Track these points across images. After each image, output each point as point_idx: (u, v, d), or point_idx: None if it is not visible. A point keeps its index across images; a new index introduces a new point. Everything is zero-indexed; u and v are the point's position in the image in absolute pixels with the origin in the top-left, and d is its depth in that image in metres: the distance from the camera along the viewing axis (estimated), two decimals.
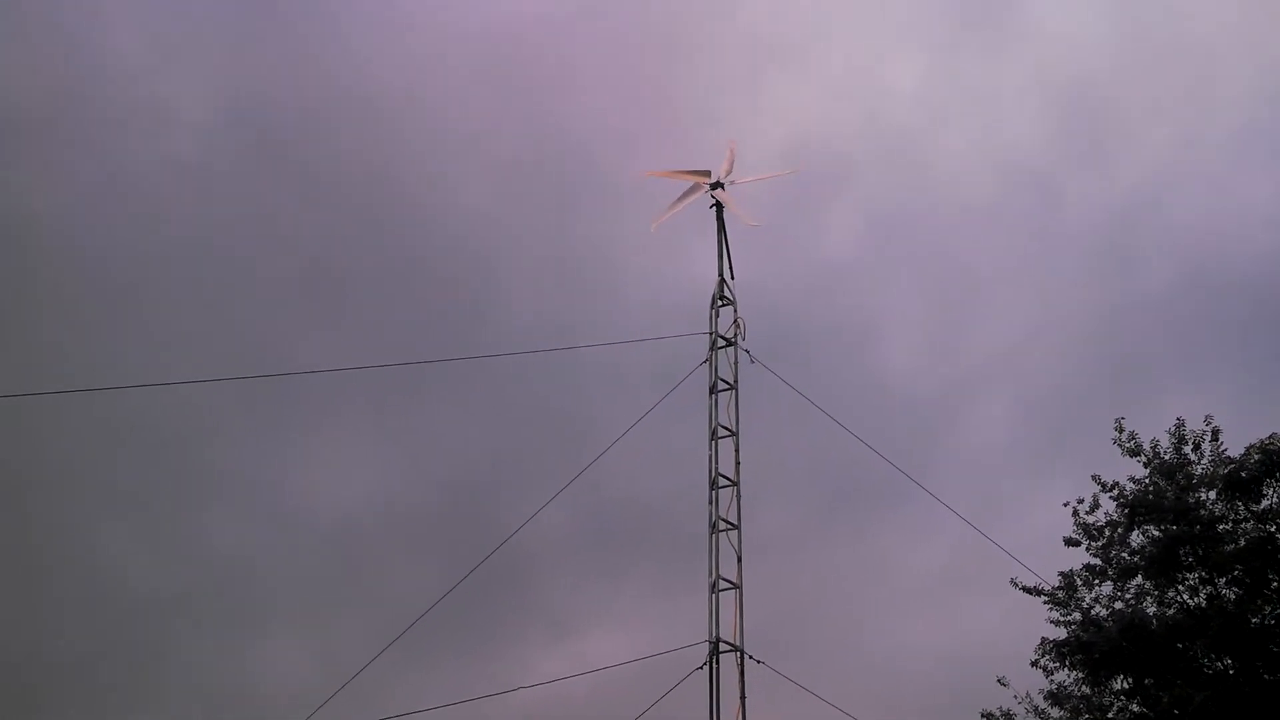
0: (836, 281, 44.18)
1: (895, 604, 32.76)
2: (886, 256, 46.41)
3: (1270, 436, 19.21)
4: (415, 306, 41.23)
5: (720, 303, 17.45)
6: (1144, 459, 20.41)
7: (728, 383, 16.75)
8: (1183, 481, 19.84)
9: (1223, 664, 18.83)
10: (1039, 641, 20.08)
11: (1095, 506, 20.65)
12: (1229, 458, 19.70)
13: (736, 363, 16.92)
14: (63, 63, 41.17)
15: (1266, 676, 18.31)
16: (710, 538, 15.53)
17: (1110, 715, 19.35)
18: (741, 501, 15.80)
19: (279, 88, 43.87)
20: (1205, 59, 46.85)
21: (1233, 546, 18.98)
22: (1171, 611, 19.48)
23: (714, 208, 17.98)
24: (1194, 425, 20.30)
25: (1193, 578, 19.52)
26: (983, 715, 20.39)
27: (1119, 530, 20.21)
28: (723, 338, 17.12)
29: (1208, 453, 20.08)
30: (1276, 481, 19.12)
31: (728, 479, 15.99)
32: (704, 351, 17.01)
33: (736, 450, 16.25)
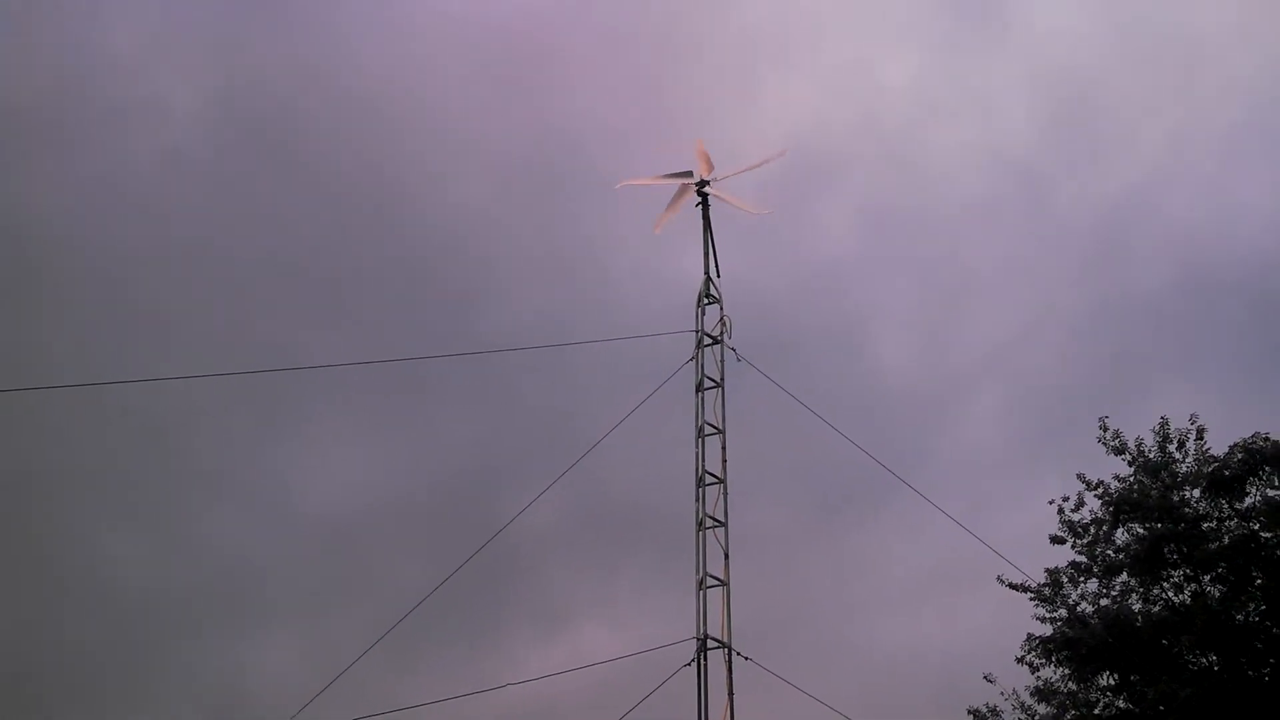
0: (830, 279, 44.30)
1: (885, 602, 32.89)
2: (880, 253, 46.54)
3: (1254, 435, 19.35)
4: (412, 303, 41.26)
5: (706, 301, 17.50)
6: (1128, 457, 20.52)
7: (714, 380, 16.80)
8: (1167, 480, 19.95)
9: (1207, 660, 18.94)
10: (1025, 638, 20.17)
11: (1080, 504, 20.77)
12: (1213, 456, 19.82)
13: (723, 361, 16.98)
14: (60, 59, 41.12)
15: (1250, 673, 18.44)
16: (697, 535, 15.57)
17: (1096, 711, 19.43)
18: (730, 499, 15.84)
19: (276, 84, 43.89)
20: (1198, 54, 47.06)
21: (1217, 544, 19.10)
22: (1156, 608, 19.59)
23: (699, 206, 18.03)
24: (1184, 424, 20.42)
25: (1177, 575, 19.63)
26: (969, 712, 20.44)
27: (1104, 528, 20.32)
28: (709, 335, 17.16)
29: (1192, 451, 20.21)
30: (1259, 480, 19.27)
31: (714, 476, 16.03)
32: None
33: (723, 448, 16.29)
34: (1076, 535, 20.66)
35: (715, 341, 17.13)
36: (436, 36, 47.27)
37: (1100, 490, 20.45)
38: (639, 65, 47.71)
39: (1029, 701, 20.38)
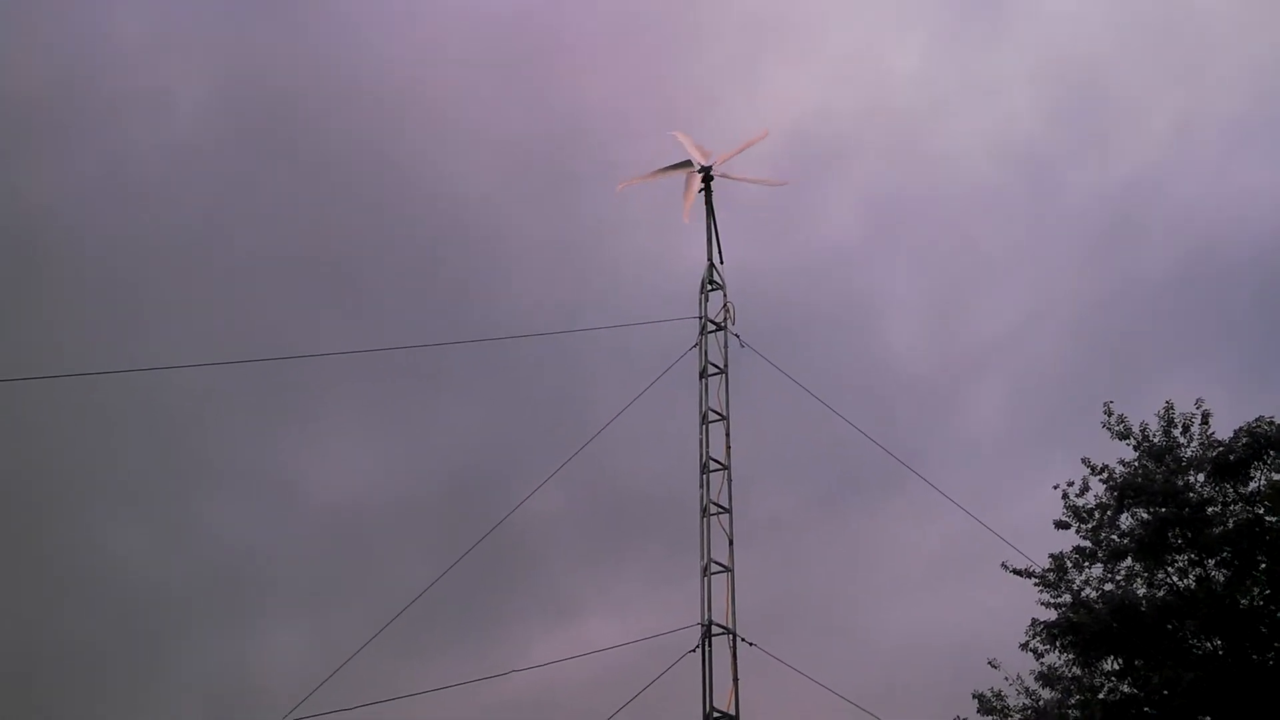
0: (837, 265, 44.28)
1: (891, 588, 32.89)
2: (887, 240, 46.51)
3: (1258, 419, 19.31)
4: (417, 291, 41.26)
5: (710, 287, 17.50)
6: (1133, 442, 20.49)
7: (718, 367, 16.79)
8: (1171, 464, 19.92)
9: (1212, 645, 18.94)
10: (1030, 623, 20.17)
11: (1085, 489, 20.74)
12: (1217, 441, 19.78)
13: (726, 347, 16.99)
14: (64, 51, 41.08)
15: (1255, 657, 18.44)
16: (702, 521, 15.60)
17: (1101, 696, 19.42)
18: (738, 486, 15.90)
19: (280, 75, 43.84)
20: (1205, 40, 46.84)
21: (1221, 529, 19.08)
22: (1161, 593, 19.57)
23: (702, 192, 18.01)
24: (1189, 409, 20.38)
25: (1182, 559, 19.61)
26: (974, 696, 20.44)
27: (1108, 513, 20.29)
28: (712, 322, 17.16)
29: (1196, 436, 20.17)
30: (1264, 464, 19.23)
31: (718, 463, 16.04)
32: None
33: (727, 434, 16.32)
34: (1081, 520, 20.65)
35: (718, 328, 17.12)
36: (440, 25, 47.22)
37: (1105, 475, 20.43)
38: (644, 52, 47.65)
39: (1034, 686, 20.39)
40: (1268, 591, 18.77)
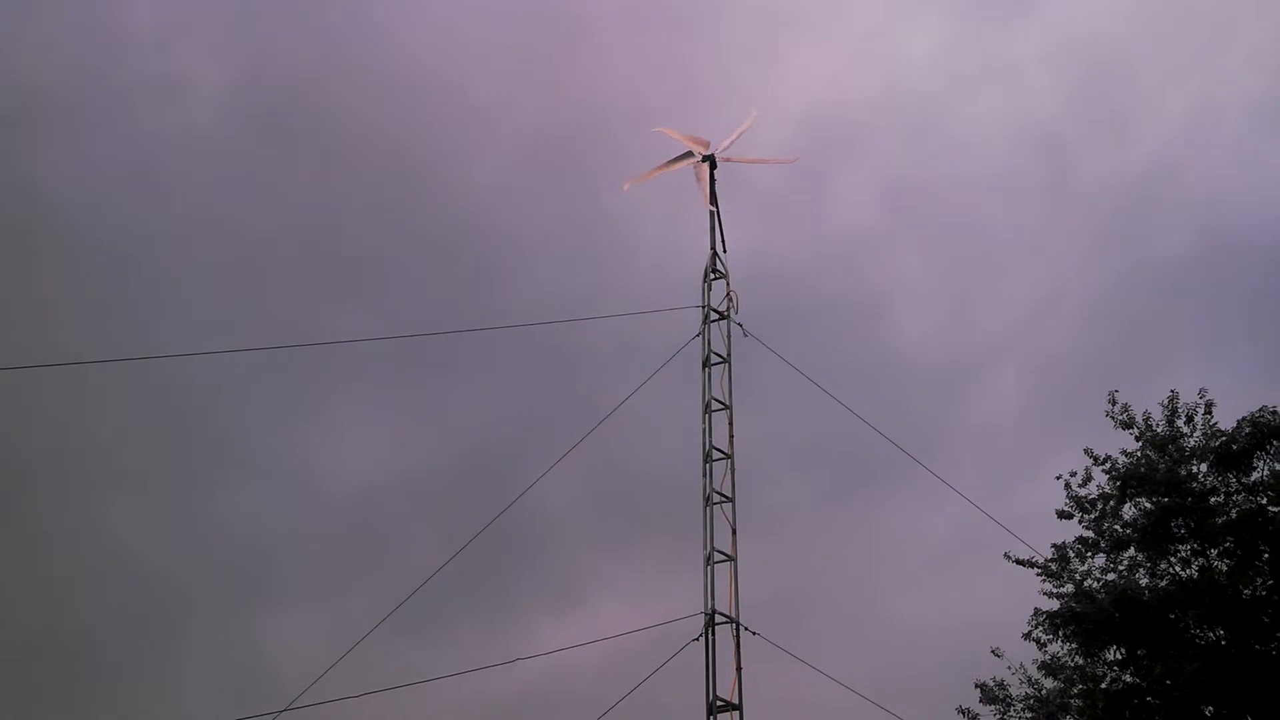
0: (851, 251, 44.16)
1: (898, 577, 32.90)
2: (901, 226, 46.37)
3: (1260, 409, 19.30)
4: (432, 278, 41.25)
5: (713, 276, 17.48)
6: (1136, 432, 20.48)
7: (721, 356, 16.78)
8: (1175, 454, 19.91)
9: (1214, 635, 18.95)
10: (1032, 613, 20.19)
11: (1088, 479, 20.72)
12: (1221, 430, 19.76)
13: (729, 336, 16.98)
14: (80, 37, 41.04)
15: (1257, 647, 18.43)
16: (705, 510, 15.60)
17: (1103, 686, 19.43)
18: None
19: (296, 61, 43.79)
20: (1223, 23, 46.50)
21: (1224, 518, 19.07)
22: (1163, 583, 19.55)
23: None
24: (1193, 398, 20.35)
25: (1184, 549, 19.61)
26: (976, 685, 20.45)
27: (1111, 503, 20.29)
28: (715, 311, 17.14)
29: (1200, 425, 20.15)
30: (1267, 454, 19.22)
31: (722, 452, 16.04)
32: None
33: (730, 424, 16.31)
34: (1084, 510, 20.65)
35: (721, 317, 17.11)
36: (457, 12, 47.12)
37: (1107, 465, 20.42)
38: (661, 38, 47.47)
39: (1036, 676, 20.41)
40: (1270, 582, 18.73)
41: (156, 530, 34.82)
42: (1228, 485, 19.45)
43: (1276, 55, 45.24)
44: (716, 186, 18.03)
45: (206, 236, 39.97)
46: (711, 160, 18.18)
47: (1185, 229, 45.16)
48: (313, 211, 41.77)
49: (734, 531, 15.49)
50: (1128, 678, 19.47)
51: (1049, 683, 20.20)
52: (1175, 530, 19.44)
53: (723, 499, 15.68)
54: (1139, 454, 20.31)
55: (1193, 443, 20.02)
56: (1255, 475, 19.31)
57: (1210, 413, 20.13)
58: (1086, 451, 20.72)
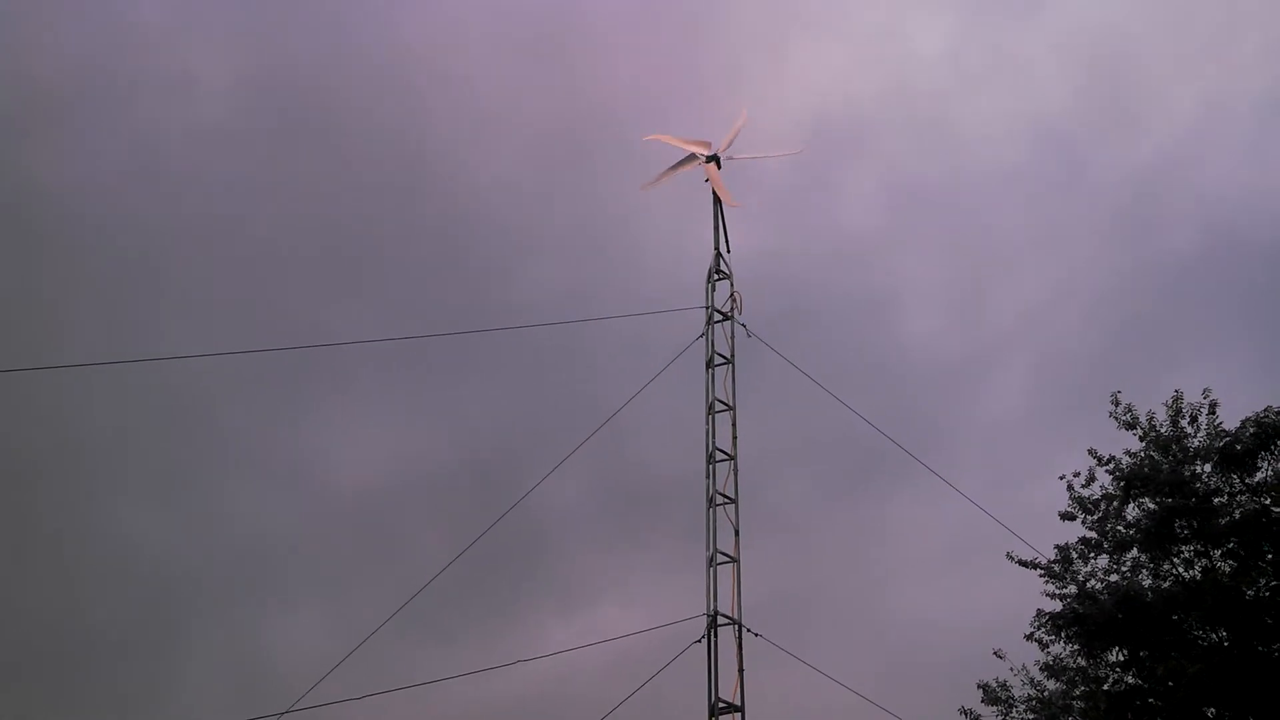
0: (858, 249, 44.07)
1: (904, 578, 32.85)
2: (909, 223, 46.25)
3: (1265, 410, 19.26)
4: (439, 275, 41.23)
5: (716, 277, 17.46)
6: (1139, 432, 20.45)
7: (724, 357, 16.77)
8: (1178, 455, 19.88)
9: (1217, 636, 18.92)
10: (1035, 614, 20.18)
11: (1091, 480, 20.71)
12: (1224, 431, 19.73)
13: (733, 337, 16.97)
14: (88, 33, 41.01)
15: (1260, 648, 18.40)
16: (708, 512, 15.59)
17: (1105, 687, 19.42)
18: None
19: (303, 59, 43.76)
20: (1234, 18, 46.29)
21: (1227, 519, 19.04)
22: (1166, 584, 19.53)
23: (709, 182, 18.00)
24: (1198, 398, 20.32)
25: (1188, 550, 19.58)
26: (979, 686, 20.46)
27: (1114, 504, 20.27)
28: (719, 312, 17.12)
29: (1204, 426, 20.12)
30: (1271, 455, 19.19)
31: (725, 453, 16.02)
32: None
33: (734, 425, 16.29)
34: (1087, 511, 20.63)
35: (725, 317, 17.09)
36: (463, 10, 47.04)
37: (1111, 466, 20.39)
38: (668, 35, 47.38)
39: (1039, 677, 20.40)
40: (1274, 583, 18.71)
41: (160, 529, 34.88)
42: (1231, 486, 19.43)
43: None
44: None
45: (212, 234, 40.02)
46: (716, 160, 18.17)
47: (1193, 225, 45.08)
48: (318, 209, 41.81)
49: (737, 533, 15.49)
50: (1130, 679, 19.45)
51: (1051, 684, 20.21)
52: (1178, 531, 19.41)
53: (726, 500, 15.67)
54: (1142, 454, 20.28)
55: (1196, 443, 19.99)
56: (1259, 476, 19.29)
57: (1214, 413, 20.11)
58: (1090, 452, 20.73)
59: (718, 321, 17.05)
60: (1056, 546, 20.61)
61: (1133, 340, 41.38)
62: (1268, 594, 18.69)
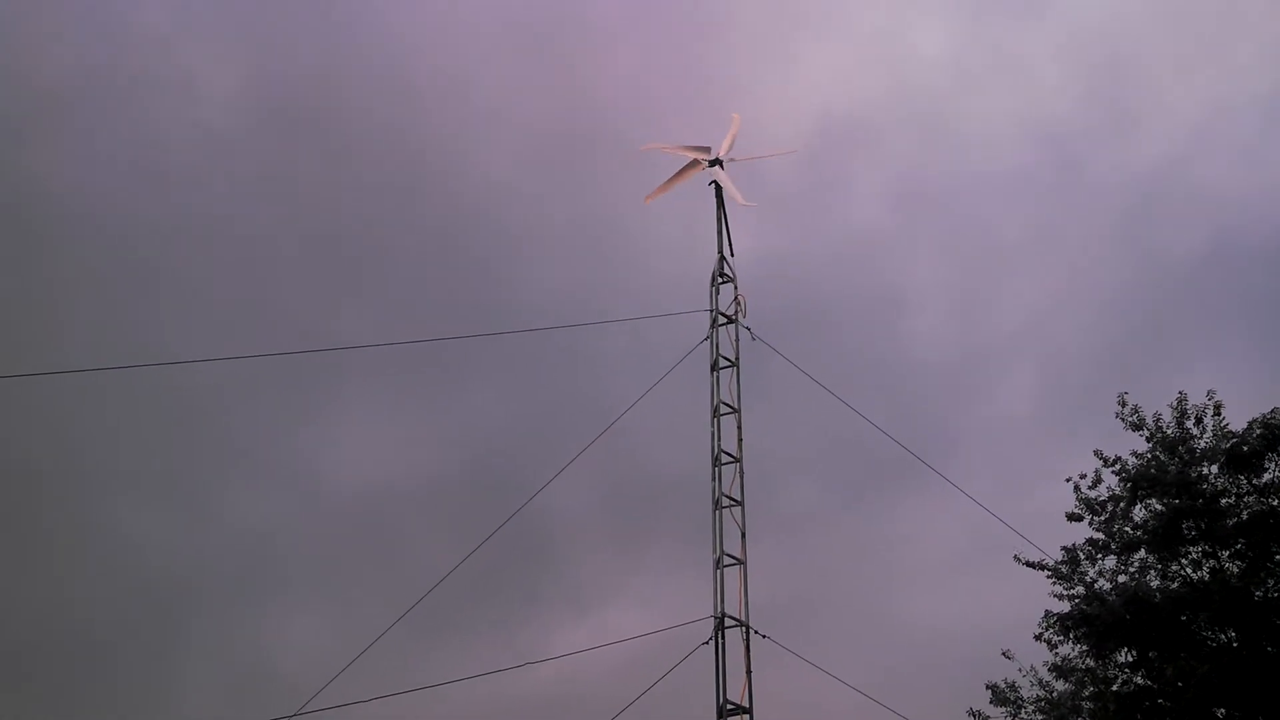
0: (862, 250, 44.05)
1: (912, 580, 32.76)
2: (912, 224, 46.21)
3: (1272, 411, 19.25)
4: (440, 278, 41.24)
5: (720, 280, 17.50)
6: (1146, 434, 20.43)
7: (729, 360, 16.80)
8: (1185, 456, 19.86)
9: (1226, 636, 18.91)
10: (1043, 615, 20.16)
11: (1097, 481, 20.70)
12: (1231, 432, 19.72)
13: (737, 340, 16.99)
14: (88, 35, 41.15)
15: (1269, 649, 18.38)
16: (714, 514, 15.60)
17: (1114, 688, 19.40)
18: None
19: (304, 59, 43.84)
20: (1234, 20, 46.13)
21: (1235, 520, 19.04)
22: (1174, 585, 19.53)
23: (712, 185, 18.05)
24: (1203, 400, 20.29)
25: (1195, 551, 19.58)
26: (988, 687, 20.44)
27: (1121, 505, 20.26)
28: (723, 315, 17.16)
29: (1210, 427, 20.10)
30: (1278, 455, 19.17)
31: (730, 455, 16.05)
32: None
33: (739, 427, 16.31)
34: (1094, 513, 20.61)
35: (729, 320, 17.13)
36: (465, 9, 47.11)
37: (1117, 467, 20.38)
38: (669, 34, 47.41)
39: (1047, 678, 20.38)
40: None
41: (162, 531, 34.92)
42: (1238, 487, 19.42)
43: None
44: (723, 192, 18.06)
45: (214, 235, 40.03)
46: (719, 164, 18.22)
47: (1197, 227, 45.00)
48: (320, 210, 41.87)
49: (743, 535, 15.50)
50: (1139, 680, 19.45)
51: (1060, 685, 20.19)
52: (1186, 532, 19.41)
53: (732, 502, 15.69)
54: (1149, 455, 20.27)
55: (1203, 444, 19.96)
56: (1266, 477, 19.27)
57: (1220, 414, 20.08)
58: (1096, 453, 20.71)
59: (722, 325, 17.09)
60: (1063, 548, 20.62)
61: (1139, 341, 41.32)
62: (1276, 595, 18.68)
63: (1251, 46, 45.76)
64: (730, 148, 18.29)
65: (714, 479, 15.83)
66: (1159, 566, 19.86)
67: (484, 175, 43.52)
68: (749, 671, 14.45)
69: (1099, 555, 20.46)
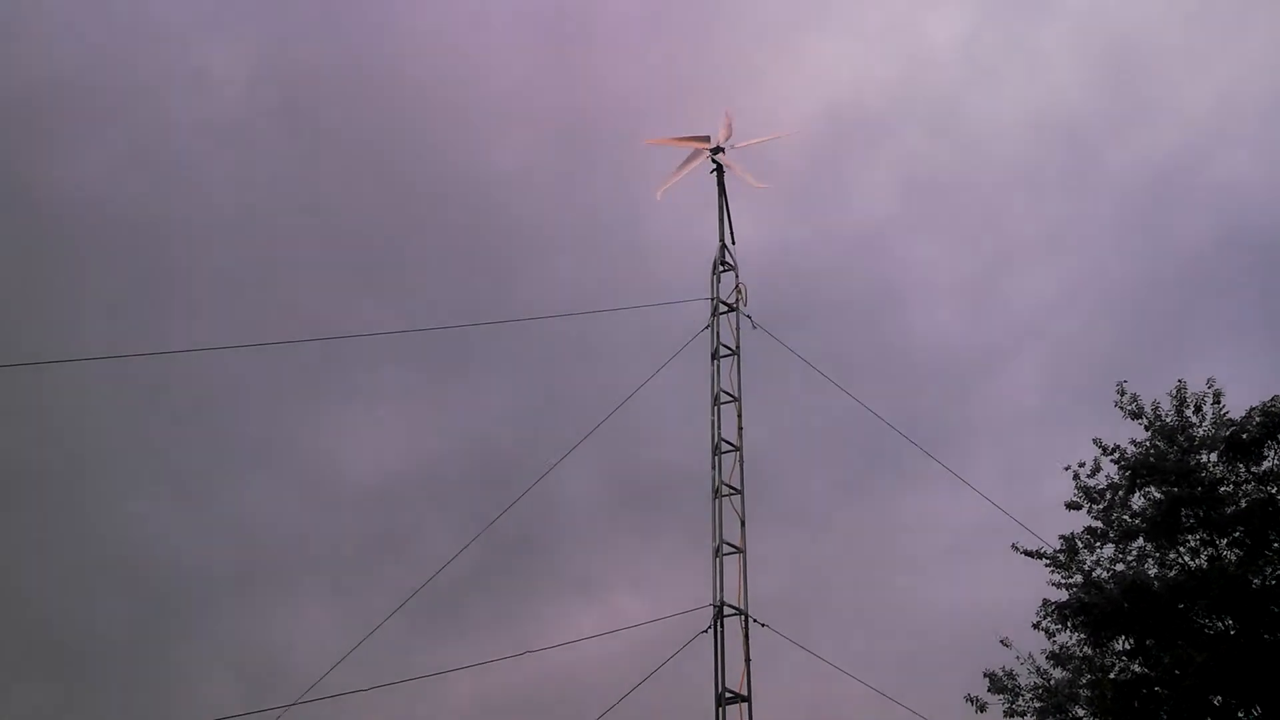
0: (870, 242, 44.02)
1: (910, 569, 32.87)
2: (922, 217, 46.16)
3: (1272, 399, 19.25)
4: (451, 271, 41.28)
5: (721, 268, 17.50)
6: (1145, 422, 20.45)
7: (730, 348, 16.81)
8: (1184, 444, 19.88)
9: (1224, 625, 18.94)
10: (1041, 603, 20.20)
11: (1096, 470, 20.72)
12: (1230, 420, 19.72)
13: (738, 328, 17.01)
14: (99, 30, 41.06)
15: (1267, 637, 18.42)
16: (713, 503, 15.65)
17: (1112, 675, 19.45)
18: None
19: (316, 54, 43.73)
20: (1248, 12, 46.01)
21: (1234, 508, 19.04)
22: (1173, 573, 19.54)
23: (714, 173, 18.03)
24: (1202, 388, 20.27)
25: (1194, 539, 19.59)
26: (985, 675, 20.48)
27: (1120, 493, 20.28)
28: (724, 303, 17.16)
29: (1209, 415, 20.11)
30: (1277, 443, 19.18)
31: (730, 444, 16.07)
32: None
33: (739, 416, 16.34)
34: (1092, 501, 20.63)
35: (730, 309, 17.13)
36: (479, 4, 46.99)
37: (1116, 455, 20.40)
38: (681, 27, 47.27)
39: (1045, 666, 20.43)
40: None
41: (171, 523, 35.04)
42: (1237, 475, 19.42)
43: None
44: (725, 180, 18.06)
45: (227, 229, 40.11)
46: (720, 151, 18.21)
47: (1207, 219, 44.90)
48: (333, 204, 41.89)
49: (743, 524, 15.54)
50: (1136, 668, 19.50)
51: (1058, 672, 20.24)
52: (1184, 520, 19.42)
53: (732, 491, 15.72)
54: (1148, 443, 20.28)
55: (1202, 432, 19.98)
56: (1265, 465, 19.25)
57: (1219, 402, 20.09)
58: (1095, 441, 20.72)
59: (723, 313, 17.09)
60: (1061, 536, 20.65)
61: (1146, 333, 41.35)
62: (1274, 583, 18.71)
63: (1265, 37, 45.63)
64: (729, 136, 18.28)
65: (714, 468, 15.87)
66: (1157, 555, 19.88)
67: (497, 170, 43.58)
68: (748, 660, 14.51)
69: (1097, 543, 20.50)
